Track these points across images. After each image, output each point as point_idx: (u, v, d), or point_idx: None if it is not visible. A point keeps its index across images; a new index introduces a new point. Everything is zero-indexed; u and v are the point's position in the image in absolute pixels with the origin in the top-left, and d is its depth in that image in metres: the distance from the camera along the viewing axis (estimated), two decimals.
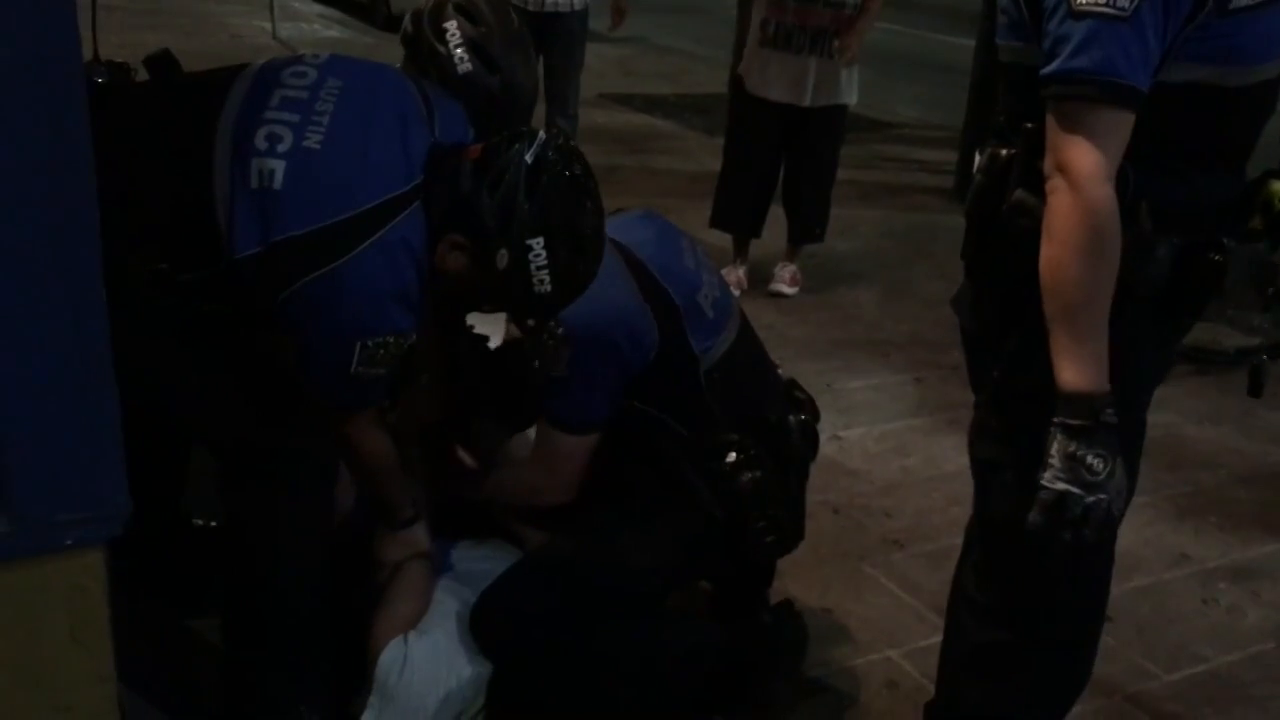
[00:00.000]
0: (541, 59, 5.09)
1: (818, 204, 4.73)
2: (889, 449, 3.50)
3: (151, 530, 1.97)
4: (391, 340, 1.83)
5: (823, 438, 3.46)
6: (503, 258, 1.85)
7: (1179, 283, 1.62)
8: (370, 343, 1.81)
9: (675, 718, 2.24)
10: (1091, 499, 1.56)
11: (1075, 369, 1.55)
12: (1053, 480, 1.57)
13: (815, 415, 2.37)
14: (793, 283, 4.73)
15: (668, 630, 2.21)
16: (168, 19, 9.80)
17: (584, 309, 1.98)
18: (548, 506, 2.23)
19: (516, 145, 1.88)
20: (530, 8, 4.94)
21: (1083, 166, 1.51)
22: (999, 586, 1.88)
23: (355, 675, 2.06)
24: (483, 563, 2.22)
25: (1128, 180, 1.56)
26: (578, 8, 5.04)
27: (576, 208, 1.89)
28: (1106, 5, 1.48)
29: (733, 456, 2.11)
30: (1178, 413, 3.80)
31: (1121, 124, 1.52)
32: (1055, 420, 1.57)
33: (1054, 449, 1.57)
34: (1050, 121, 1.56)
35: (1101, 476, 1.55)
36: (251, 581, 2.02)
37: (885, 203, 6.09)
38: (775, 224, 4.82)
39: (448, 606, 2.12)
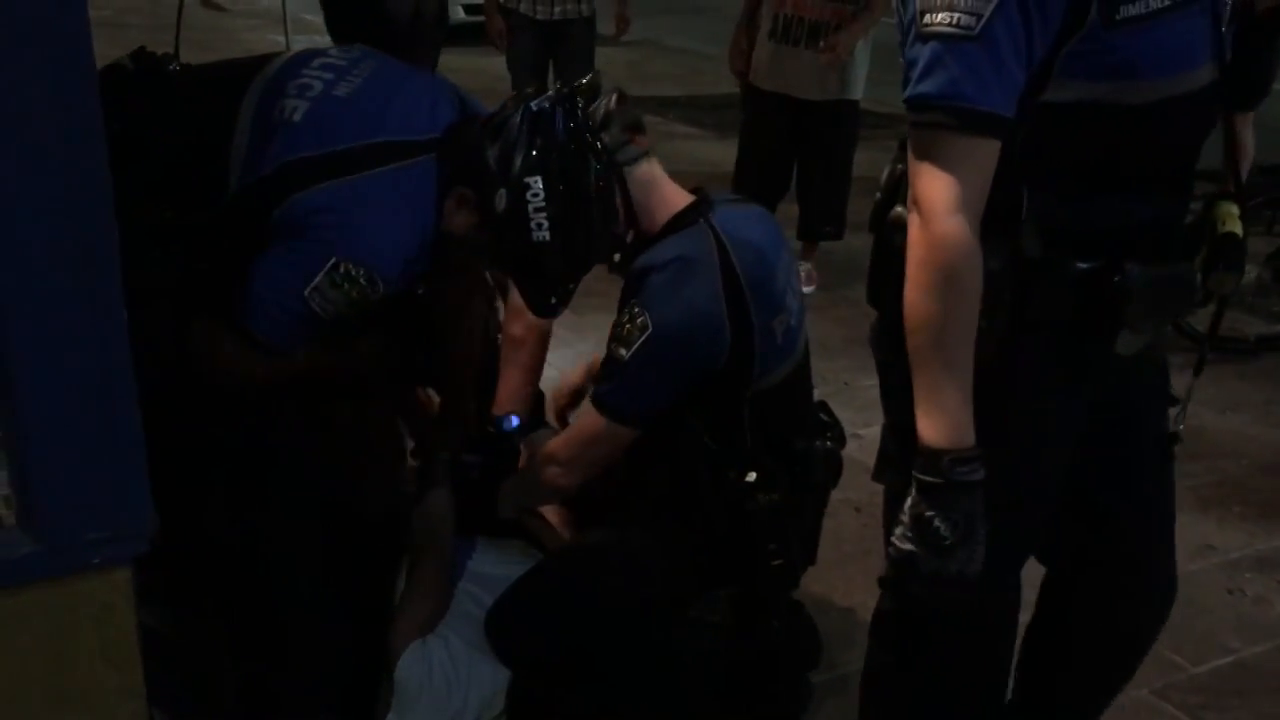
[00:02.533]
0: (552, 65, 5.10)
1: (829, 202, 4.70)
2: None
3: (172, 543, 1.98)
4: (363, 279, 1.79)
5: None
6: (501, 199, 1.84)
7: (1082, 311, 1.48)
8: (344, 266, 1.78)
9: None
10: (938, 565, 1.45)
11: (926, 421, 1.44)
12: (901, 539, 1.48)
13: (841, 440, 2.33)
14: (808, 281, 4.72)
15: (680, 634, 2.20)
16: (183, 33, 9.85)
17: (669, 304, 1.95)
18: (555, 491, 2.19)
19: (524, 100, 1.90)
20: (539, 16, 4.96)
21: (931, 198, 1.40)
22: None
23: (379, 679, 2.07)
24: (502, 566, 2.23)
25: (1019, 203, 1.46)
26: (585, 15, 5.06)
27: (577, 157, 1.88)
28: (950, 25, 1.36)
29: (753, 476, 2.07)
30: (1198, 402, 3.73)
31: (975, 151, 1.40)
32: (914, 473, 1.46)
33: (907, 505, 1.48)
34: (910, 150, 1.46)
35: (949, 542, 1.43)
36: (253, 590, 2.03)
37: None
38: (793, 224, 4.81)
39: (466, 609, 2.13)
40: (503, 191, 1.84)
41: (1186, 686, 2.50)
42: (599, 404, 2.05)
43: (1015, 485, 1.60)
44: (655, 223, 2.06)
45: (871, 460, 3.33)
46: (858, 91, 4.57)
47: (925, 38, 1.39)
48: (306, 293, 1.78)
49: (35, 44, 1.11)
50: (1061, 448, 1.63)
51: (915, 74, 1.42)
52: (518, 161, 1.83)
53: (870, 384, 3.84)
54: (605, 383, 2.03)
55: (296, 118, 1.82)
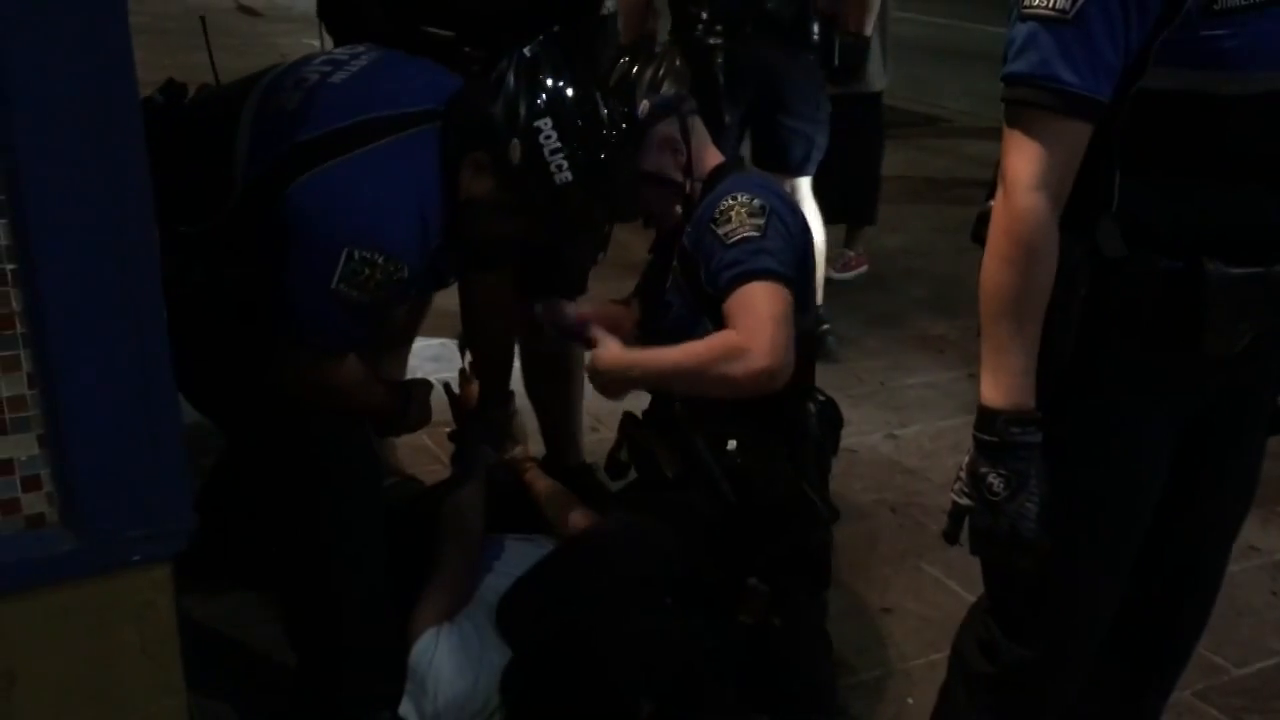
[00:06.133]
0: None
1: (849, 191, 4.62)
2: (945, 446, 3.47)
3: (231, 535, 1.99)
4: (380, 261, 1.77)
5: (878, 436, 3.48)
6: (515, 149, 1.83)
7: (1161, 313, 1.49)
8: (357, 254, 1.75)
9: (716, 714, 2.24)
10: (989, 519, 1.51)
11: (989, 382, 1.50)
12: (959, 494, 1.55)
13: (837, 413, 2.33)
14: (843, 268, 4.73)
15: (688, 625, 2.19)
16: (218, 39, 9.93)
17: (769, 193, 2.08)
18: (753, 378, 2.00)
19: (514, 51, 1.88)
20: None
21: (1015, 173, 1.45)
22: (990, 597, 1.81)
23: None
24: (526, 560, 2.23)
25: (1109, 195, 1.48)
26: (608, 10, 5.06)
27: (581, 92, 1.87)
28: (1046, 7, 1.40)
29: (733, 444, 2.11)
30: None
31: (1060, 130, 1.43)
32: (973, 431, 1.53)
33: (965, 461, 1.54)
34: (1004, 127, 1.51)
35: (1001, 498, 1.50)
36: (307, 586, 2.03)
37: (935, 197, 6.03)
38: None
39: (485, 599, 2.15)
40: (515, 142, 1.82)
41: (1228, 689, 2.46)
42: (753, 274, 1.97)
43: (1113, 500, 1.62)
44: (701, 173, 2.18)
45: (907, 460, 3.36)
46: (881, 82, 4.51)
47: (1024, 18, 1.45)
48: (333, 287, 1.77)
49: (78, 46, 1.12)
50: (1158, 460, 1.62)
51: (1011, 53, 1.47)
52: (523, 108, 1.82)
53: (907, 383, 3.87)
54: (751, 256, 1.99)
55: (291, 108, 1.83)
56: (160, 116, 1.90)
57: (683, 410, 2.17)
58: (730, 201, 2.04)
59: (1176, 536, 1.74)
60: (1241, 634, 2.62)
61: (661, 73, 2.15)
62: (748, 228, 1.99)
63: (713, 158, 2.22)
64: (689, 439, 2.12)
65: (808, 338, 2.23)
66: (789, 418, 2.19)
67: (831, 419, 2.30)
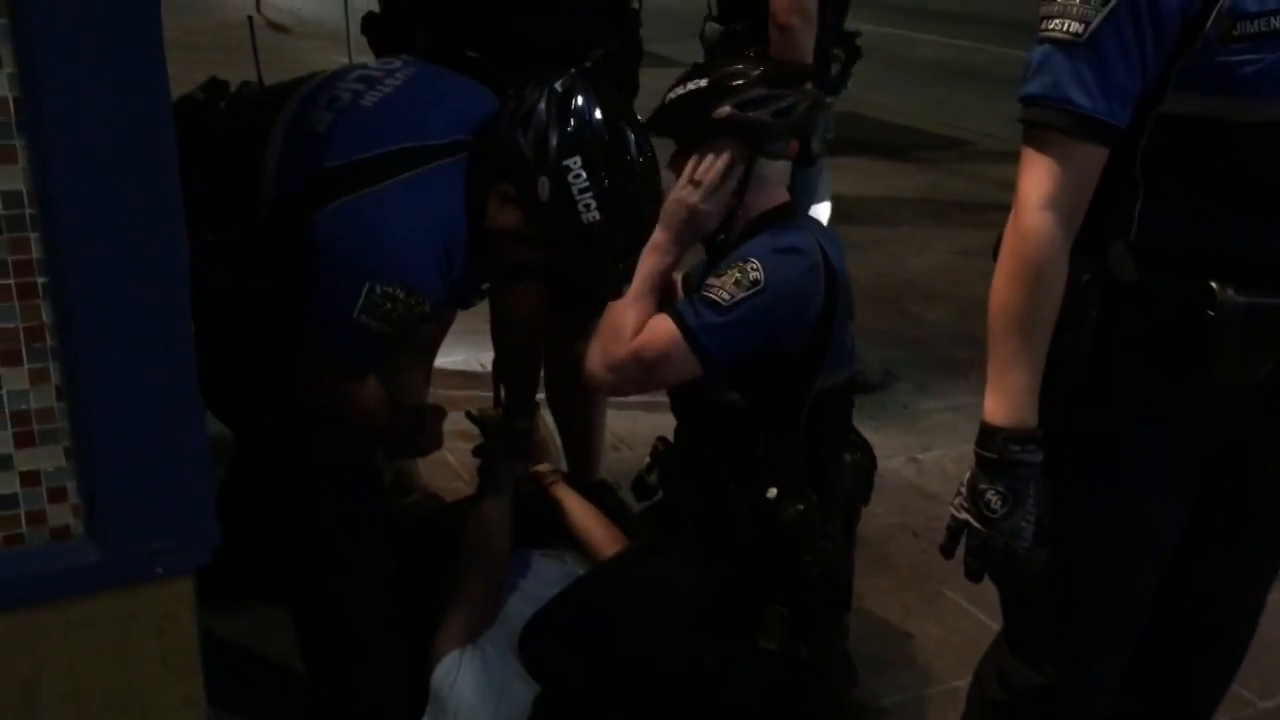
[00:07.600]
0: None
1: None
2: (968, 471, 3.45)
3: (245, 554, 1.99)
4: (401, 295, 1.77)
5: (899, 460, 3.47)
6: (544, 186, 1.81)
7: (1170, 338, 1.49)
8: (379, 289, 1.75)
9: None
10: (985, 534, 1.52)
11: (991, 398, 1.51)
12: (958, 509, 1.56)
13: (871, 460, 2.32)
14: None
15: (712, 656, 2.18)
16: (247, 54, 10.02)
17: (783, 270, 1.99)
18: (595, 374, 2.08)
19: (544, 83, 1.86)
20: None
21: (1024, 192, 1.46)
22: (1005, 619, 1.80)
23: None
24: (554, 586, 2.22)
25: (1128, 220, 1.48)
26: (634, 7, 5.08)
27: (611, 128, 1.85)
28: (1061, 31, 1.42)
29: (774, 492, 2.07)
30: None
31: (1075, 153, 1.44)
32: (975, 448, 1.54)
33: (966, 477, 1.55)
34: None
35: (998, 515, 1.51)
36: (318, 601, 2.04)
37: (959, 220, 6.02)
38: None
39: (510, 625, 2.14)
40: (544, 179, 1.81)
41: None
42: (683, 326, 1.98)
43: (1123, 523, 1.61)
44: (751, 211, 2.11)
45: (930, 485, 3.34)
46: None
47: (1040, 41, 1.46)
48: (354, 317, 1.77)
49: (110, 59, 1.13)
50: (1175, 486, 1.62)
51: (1028, 74, 1.48)
52: (553, 145, 1.81)
53: (930, 407, 3.86)
54: (697, 315, 1.99)
55: (321, 129, 1.82)
56: (196, 113, 1.91)
57: (716, 449, 2.15)
58: (740, 262, 2.00)
59: (1204, 573, 1.72)
60: (1267, 666, 2.59)
61: (766, 96, 2.04)
62: (726, 292, 1.97)
63: (771, 200, 2.13)
64: (722, 478, 2.10)
65: (842, 392, 2.19)
66: (824, 467, 2.17)
67: (866, 471, 2.29)
